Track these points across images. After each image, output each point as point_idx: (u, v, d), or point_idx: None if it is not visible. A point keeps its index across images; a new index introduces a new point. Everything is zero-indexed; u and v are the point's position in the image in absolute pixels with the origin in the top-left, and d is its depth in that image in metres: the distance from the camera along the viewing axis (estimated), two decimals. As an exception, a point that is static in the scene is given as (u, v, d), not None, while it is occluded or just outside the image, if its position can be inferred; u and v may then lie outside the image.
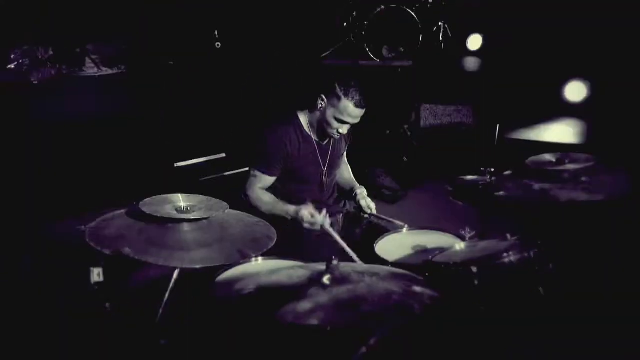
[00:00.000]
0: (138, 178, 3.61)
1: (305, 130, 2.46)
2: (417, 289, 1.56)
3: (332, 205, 2.63)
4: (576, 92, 4.98)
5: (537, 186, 1.93)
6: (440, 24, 5.66)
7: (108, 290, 1.72)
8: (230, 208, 1.63)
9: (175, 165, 3.80)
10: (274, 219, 2.07)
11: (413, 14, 5.23)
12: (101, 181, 3.52)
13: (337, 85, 2.29)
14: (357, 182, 2.70)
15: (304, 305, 1.37)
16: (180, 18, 5.28)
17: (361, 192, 2.60)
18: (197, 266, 1.35)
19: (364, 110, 2.34)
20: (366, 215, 2.57)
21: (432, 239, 2.27)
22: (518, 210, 2.44)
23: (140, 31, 4.93)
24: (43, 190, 3.35)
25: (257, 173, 2.40)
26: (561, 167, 1.97)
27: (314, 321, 1.31)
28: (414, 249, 2.21)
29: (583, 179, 1.90)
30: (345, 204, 2.73)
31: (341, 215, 2.65)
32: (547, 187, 1.91)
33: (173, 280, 1.53)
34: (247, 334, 1.75)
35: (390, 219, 2.47)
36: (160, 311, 1.57)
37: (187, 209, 1.52)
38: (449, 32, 5.70)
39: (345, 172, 2.75)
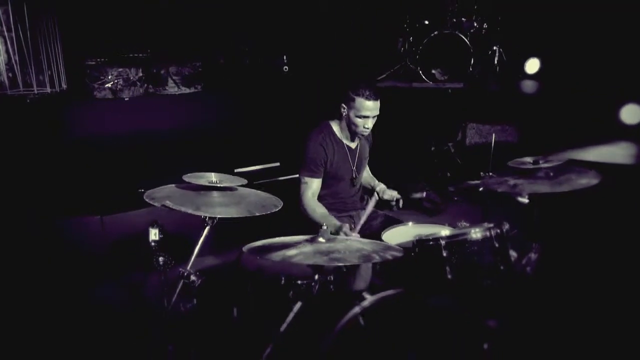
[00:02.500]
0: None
1: (337, 136, 2.99)
2: (388, 253, 2.03)
3: (358, 200, 3.14)
4: (632, 115, 5.11)
5: (512, 181, 2.33)
6: (495, 48, 6.02)
7: (163, 246, 2.35)
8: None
9: (235, 171, 4.45)
10: None
11: (465, 39, 5.65)
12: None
13: (349, 91, 2.82)
14: (376, 180, 3.19)
15: (291, 252, 1.90)
16: (252, 44, 6.10)
17: (380, 188, 3.09)
18: (217, 216, 1.92)
19: (377, 102, 2.81)
20: (393, 203, 3.03)
21: (431, 230, 2.70)
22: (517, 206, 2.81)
23: (214, 56, 5.79)
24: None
25: (306, 179, 2.92)
26: (536, 166, 2.35)
27: (295, 260, 1.83)
28: (413, 236, 2.65)
29: (551, 174, 2.28)
30: (367, 201, 3.22)
31: (363, 211, 3.14)
32: (519, 182, 2.31)
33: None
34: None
35: None
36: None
37: (217, 182, 2.11)
38: (503, 56, 6.02)
39: (366, 173, 3.25)
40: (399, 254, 2.05)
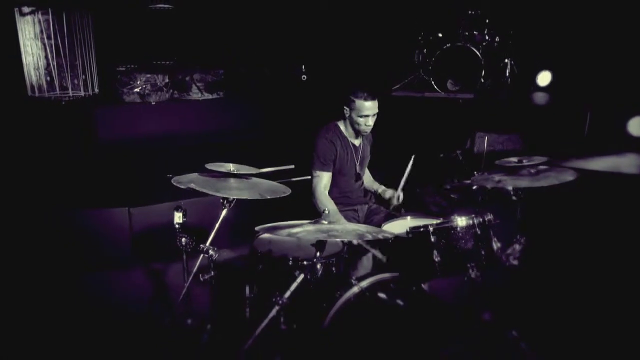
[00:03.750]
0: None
1: (343, 134, 3.34)
2: (380, 234, 2.36)
3: (361, 195, 3.48)
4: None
5: (496, 177, 2.65)
6: (506, 61, 6.31)
7: (186, 229, 2.70)
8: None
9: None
10: None
11: (477, 51, 5.96)
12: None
13: (349, 94, 3.17)
14: (376, 182, 3.53)
15: (296, 229, 2.24)
16: (272, 54, 6.51)
17: (382, 190, 3.43)
18: (232, 197, 2.28)
19: (375, 101, 3.16)
20: (394, 201, 3.35)
21: (426, 222, 3.02)
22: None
23: (236, 65, 6.21)
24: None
25: (318, 172, 3.28)
26: (520, 164, 2.67)
27: (298, 235, 2.18)
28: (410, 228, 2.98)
29: (532, 171, 2.59)
30: (371, 197, 3.56)
31: (366, 205, 3.48)
32: (503, 178, 2.62)
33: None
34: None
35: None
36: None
37: (234, 171, 2.48)
38: (515, 68, 6.32)
39: (368, 178, 3.59)
40: (389, 236, 2.38)
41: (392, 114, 6.04)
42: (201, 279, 2.42)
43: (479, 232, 2.45)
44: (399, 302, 2.61)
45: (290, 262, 2.65)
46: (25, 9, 4.78)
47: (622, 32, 5.64)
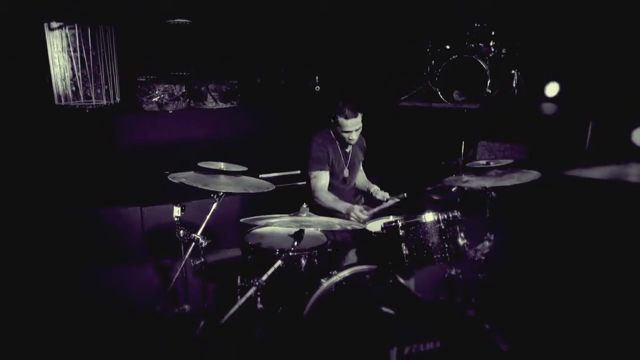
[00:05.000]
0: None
1: (334, 140, 3.64)
2: (349, 225, 2.65)
3: (351, 197, 3.76)
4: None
5: (465, 178, 2.91)
6: (513, 72, 6.53)
7: (184, 223, 3.04)
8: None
9: (259, 176, 5.16)
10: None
11: (482, 63, 6.20)
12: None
13: (333, 112, 3.43)
14: (371, 183, 3.80)
15: (274, 220, 2.56)
16: (287, 65, 6.89)
17: (375, 190, 3.70)
18: (221, 192, 2.62)
19: (357, 117, 3.41)
20: (385, 201, 3.61)
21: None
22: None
23: (251, 76, 6.62)
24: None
25: (315, 172, 3.54)
26: (487, 166, 2.93)
27: (274, 224, 2.49)
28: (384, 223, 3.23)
29: (498, 172, 2.85)
30: (361, 198, 3.84)
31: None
32: (471, 179, 2.89)
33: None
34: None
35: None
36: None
37: (224, 169, 2.81)
38: (521, 79, 6.52)
39: (362, 178, 3.87)
40: (358, 227, 2.66)
41: (399, 123, 6.38)
42: (192, 264, 2.75)
43: (442, 227, 2.71)
44: (374, 292, 2.88)
45: (277, 253, 2.94)
46: (54, 24, 5.27)
47: (626, 42, 5.81)
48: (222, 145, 5.89)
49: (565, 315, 3.42)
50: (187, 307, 3.11)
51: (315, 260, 3.00)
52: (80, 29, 5.35)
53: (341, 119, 3.40)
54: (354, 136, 3.49)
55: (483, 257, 2.99)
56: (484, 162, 2.99)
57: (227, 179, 2.80)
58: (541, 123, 6.02)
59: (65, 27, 5.33)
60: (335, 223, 2.60)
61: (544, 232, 4.45)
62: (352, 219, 3.27)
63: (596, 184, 4.77)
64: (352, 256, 3.42)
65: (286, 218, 2.61)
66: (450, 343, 2.58)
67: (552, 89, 6.77)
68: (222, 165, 2.83)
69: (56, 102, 5.49)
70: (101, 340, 3.21)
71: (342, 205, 3.40)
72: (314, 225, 2.52)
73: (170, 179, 2.74)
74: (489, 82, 6.20)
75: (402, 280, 2.95)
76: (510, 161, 2.95)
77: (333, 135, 3.60)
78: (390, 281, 2.92)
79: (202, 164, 2.82)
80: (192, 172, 2.91)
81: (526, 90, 6.55)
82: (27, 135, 5.24)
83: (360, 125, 3.47)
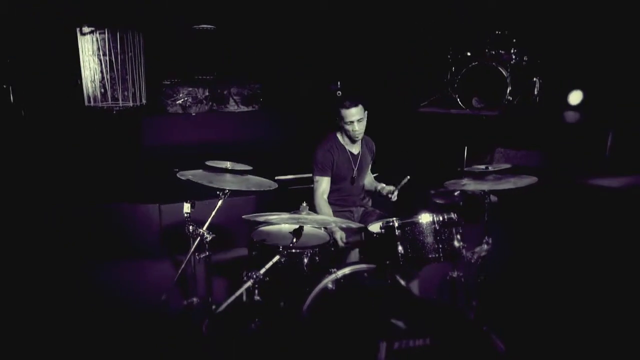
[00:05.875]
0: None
1: (341, 143, 3.75)
2: (344, 224, 2.77)
3: (359, 200, 3.87)
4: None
5: (463, 182, 2.99)
6: (534, 79, 6.52)
7: (195, 220, 3.20)
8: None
9: (275, 178, 5.32)
10: None
11: (503, 70, 6.22)
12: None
13: (335, 106, 3.57)
14: (376, 182, 3.90)
15: (272, 216, 2.69)
16: (309, 70, 7.05)
17: (381, 187, 3.79)
18: (227, 189, 2.77)
19: (357, 107, 3.50)
20: (391, 196, 3.70)
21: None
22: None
23: (273, 80, 6.80)
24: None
25: (317, 178, 3.70)
26: (486, 170, 3.00)
27: (272, 220, 2.62)
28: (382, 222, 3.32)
29: (497, 176, 2.92)
30: (369, 200, 3.94)
31: (362, 208, 3.87)
32: (468, 182, 2.97)
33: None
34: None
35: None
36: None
37: (230, 167, 2.97)
38: (542, 87, 6.50)
39: (368, 178, 3.97)
40: (354, 227, 2.77)
41: (418, 129, 6.44)
42: (197, 257, 2.90)
43: (437, 228, 2.79)
44: (370, 290, 2.99)
45: (280, 249, 3.07)
46: (86, 29, 5.56)
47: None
48: (242, 146, 6.07)
49: (567, 321, 3.46)
50: (195, 299, 3.26)
51: (317, 258, 3.11)
52: (109, 34, 5.62)
53: (342, 110, 3.51)
54: (357, 127, 3.57)
55: (480, 260, 3.05)
56: (482, 166, 3.05)
57: (232, 178, 2.94)
58: (561, 131, 6.01)
59: (96, 31, 5.60)
60: (331, 222, 2.72)
61: (549, 236, 4.46)
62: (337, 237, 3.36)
63: (614, 193, 4.76)
64: (354, 255, 3.53)
65: (284, 215, 2.74)
66: (442, 341, 2.66)
67: (575, 97, 6.73)
68: (228, 165, 2.98)
69: (86, 103, 5.77)
70: (112, 330, 3.41)
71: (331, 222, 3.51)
72: (310, 222, 2.64)
73: (179, 176, 2.90)
74: (509, 89, 6.21)
75: (401, 281, 3.05)
76: (508, 166, 3.01)
77: (339, 138, 3.71)
78: (389, 280, 3.02)
79: (209, 163, 2.97)
80: (200, 170, 3.07)
81: (547, 98, 6.53)
82: (59, 133, 5.55)
83: (362, 116, 3.57)
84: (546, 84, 6.57)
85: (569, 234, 4.51)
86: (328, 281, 2.98)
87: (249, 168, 3.03)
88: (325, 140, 3.74)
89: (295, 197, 3.70)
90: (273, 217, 2.69)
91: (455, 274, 3.15)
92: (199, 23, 6.27)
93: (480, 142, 5.95)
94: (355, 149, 3.77)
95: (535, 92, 6.55)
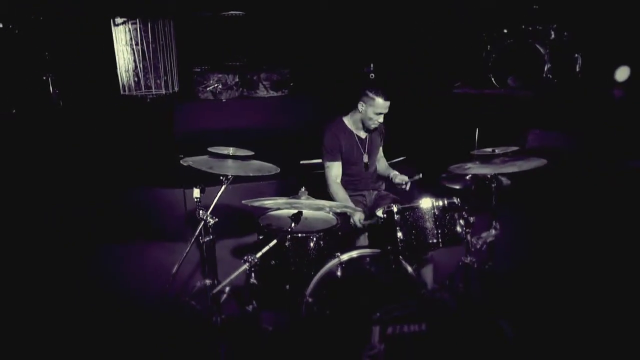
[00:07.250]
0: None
1: (348, 127, 3.72)
2: (340, 208, 2.75)
3: (371, 182, 3.83)
4: None
5: (468, 165, 2.91)
6: (576, 56, 6.18)
7: (203, 204, 3.27)
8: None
9: (301, 162, 5.34)
10: None
11: (541, 47, 5.93)
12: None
13: (367, 91, 3.50)
14: (390, 168, 3.85)
15: (269, 201, 2.71)
16: (341, 54, 6.97)
17: (394, 174, 3.74)
18: (229, 174, 2.81)
19: (389, 101, 3.48)
20: (404, 186, 3.66)
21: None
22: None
23: (302, 64, 6.78)
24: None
25: (328, 163, 3.69)
26: (493, 153, 2.90)
27: (267, 205, 2.64)
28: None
29: (506, 159, 2.82)
30: (382, 184, 3.90)
31: (375, 192, 3.83)
32: (473, 165, 2.88)
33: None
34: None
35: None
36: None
37: (232, 153, 3.00)
38: (580, 63, 6.15)
39: (382, 164, 3.92)
40: (349, 212, 2.75)
41: (452, 110, 6.27)
42: (201, 241, 2.97)
43: (436, 213, 2.73)
44: (372, 274, 2.97)
45: (279, 234, 3.10)
46: (118, 20, 5.73)
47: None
48: (271, 131, 6.12)
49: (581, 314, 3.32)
50: (208, 281, 3.35)
51: (321, 242, 3.12)
52: (141, 23, 5.76)
53: (378, 99, 3.46)
54: (381, 119, 3.57)
55: (486, 246, 2.97)
56: (490, 149, 2.95)
57: (234, 163, 2.98)
58: (604, 111, 5.69)
59: (128, 22, 5.76)
60: (326, 206, 2.71)
61: (572, 222, 4.26)
62: (351, 222, 3.36)
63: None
64: (362, 240, 3.50)
65: (281, 200, 2.75)
66: (439, 327, 2.62)
67: (622, 73, 6.34)
68: (230, 150, 3.01)
69: (121, 92, 5.96)
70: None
71: (349, 207, 3.49)
72: (305, 207, 2.64)
73: (183, 162, 2.97)
74: (547, 66, 5.93)
75: (408, 266, 3.01)
76: (515, 148, 2.89)
77: (346, 122, 3.68)
78: (393, 266, 2.99)
79: (211, 149, 3.02)
80: (205, 157, 3.12)
81: (590, 75, 6.18)
82: (96, 122, 5.79)
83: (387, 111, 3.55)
84: (589, 60, 6.20)
85: (600, 220, 4.30)
86: (331, 265, 2.99)
87: (251, 153, 3.06)
88: (330, 124, 3.71)
89: (320, 181, 3.73)
90: (269, 202, 2.70)
91: (468, 260, 3.08)
92: (228, 9, 6.32)
93: (515, 123, 5.73)
94: (363, 133, 3.73)
95: (577, 69, 6.22)
